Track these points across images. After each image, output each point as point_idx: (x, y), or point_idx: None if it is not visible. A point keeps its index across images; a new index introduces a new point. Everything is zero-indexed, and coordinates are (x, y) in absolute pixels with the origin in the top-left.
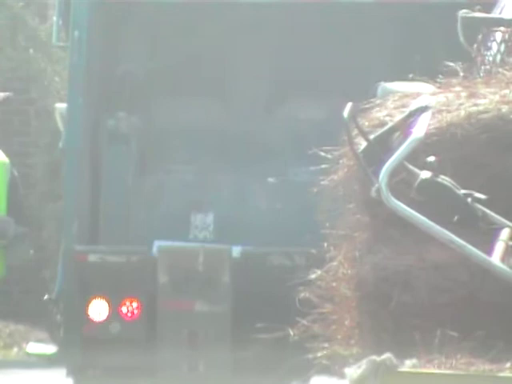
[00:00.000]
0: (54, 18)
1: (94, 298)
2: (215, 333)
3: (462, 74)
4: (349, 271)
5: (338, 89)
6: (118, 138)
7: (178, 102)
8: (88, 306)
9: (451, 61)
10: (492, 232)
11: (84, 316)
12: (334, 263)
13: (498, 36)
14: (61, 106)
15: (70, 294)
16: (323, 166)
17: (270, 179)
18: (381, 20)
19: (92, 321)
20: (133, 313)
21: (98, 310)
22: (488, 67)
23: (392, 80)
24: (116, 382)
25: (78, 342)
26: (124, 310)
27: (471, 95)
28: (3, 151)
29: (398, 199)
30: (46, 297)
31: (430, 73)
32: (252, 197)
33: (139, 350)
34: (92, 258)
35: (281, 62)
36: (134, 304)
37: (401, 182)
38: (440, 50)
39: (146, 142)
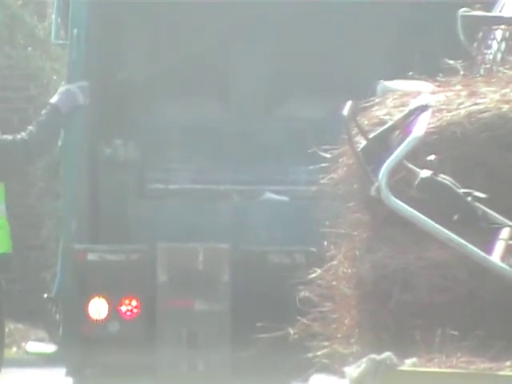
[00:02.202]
0: (53, 16)
1: (94, 296)
2: (215, 332)
3: (462, 72)
4: (349, 270)
5: (338, 88)
6: (115, 164)
7: (179, 103)
8: (87, 305)
9: (451, 59)
10: (492, 231)
11: (83, 315)
12: (334, 262)
13: (499, 34)
14: None
15: (70, 293)
16: (323, 164)
17: (268, 193)
18: (381, 19)
19: (91, 320)
20: (132, 311)
21: (98, 308)
22: (488, 66)
23: (392, 78)
24: (115, 381)
25: (78, 341)
26: (123, 308)
27: (471, 94)
28: None
29: (398, 198)
30: (45, 295)
31: (430, 71)
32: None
33: (138, 349)
34: (91, 256)
35: (281, 61)
36: (134, 303)
37: (400, 181)
38: (440, 48)
39: (146, 141)
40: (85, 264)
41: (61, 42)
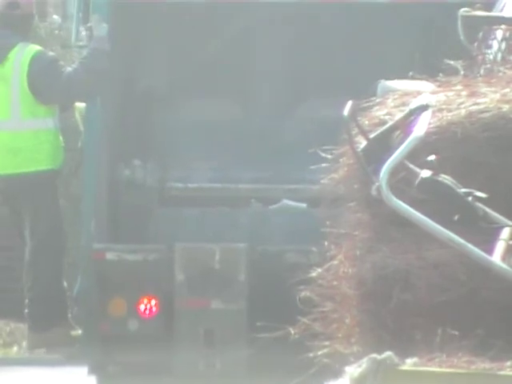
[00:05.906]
0: (74, 18)
1: (113, 295)
2: (231, 330)
3: (462, 72)
4: (349, 270)
5: (356, 88)
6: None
7: (197, 106)
8: (106, 304)
9: (452, 59)
10: (492, 231)
11: (103, 313)
12: (335, 262)
13: (499, 34)
14: (80, 105)
15: (89, 292)
16: (324, 165)
17: (285, 201)
18: (396, 21)
19: (110, 318)
20: (150, 310)
21: (116, 307)
22: (489, 66)
23: (392, 78)
24: (135, 379)
25: (97, 340)
26: (142, 307)
27: (472, 94)
28: None
29: (399, 198)
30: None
31: (431, 71)
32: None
33: (156, 348)
34: (110, 256)
35: (298, 61)
36: (152, 302)
37: (401, 181)
38: (440, 48)
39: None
40: (103, 263)
41: (81, 43)
